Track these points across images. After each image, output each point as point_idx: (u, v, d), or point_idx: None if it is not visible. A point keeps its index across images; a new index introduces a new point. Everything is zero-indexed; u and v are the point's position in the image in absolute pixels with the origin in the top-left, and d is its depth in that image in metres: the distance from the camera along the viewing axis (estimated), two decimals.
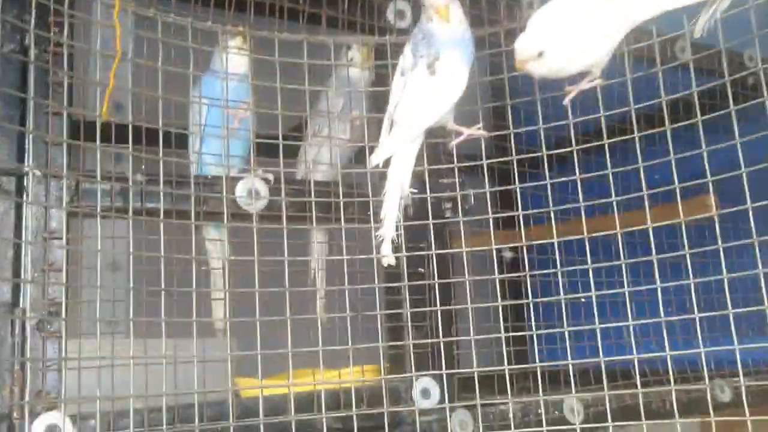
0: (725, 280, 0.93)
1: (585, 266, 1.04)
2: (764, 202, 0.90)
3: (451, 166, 1.12)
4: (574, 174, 1.05)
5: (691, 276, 0.96)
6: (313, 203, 1.07)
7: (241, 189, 1.06)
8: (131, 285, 0.94)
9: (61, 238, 0.95)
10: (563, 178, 1.07)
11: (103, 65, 1.01)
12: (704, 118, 0.97)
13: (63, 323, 0.93)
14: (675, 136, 1.02)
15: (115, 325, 1.06)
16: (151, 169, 1.02)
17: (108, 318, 1.02)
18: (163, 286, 0.95)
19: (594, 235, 1.04)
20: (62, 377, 0.92)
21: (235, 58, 1.12)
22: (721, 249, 0.94)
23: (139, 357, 0.92)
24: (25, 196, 0.95)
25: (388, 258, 0.99)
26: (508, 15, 1.26)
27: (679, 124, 1.01)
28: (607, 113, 1.05)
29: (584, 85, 1.05)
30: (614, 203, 1.02)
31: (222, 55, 1.13)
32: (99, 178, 0.95)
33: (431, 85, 1.00)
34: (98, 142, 0.96)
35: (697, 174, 0.98)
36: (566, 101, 1.07)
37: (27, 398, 0.90)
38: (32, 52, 0.93)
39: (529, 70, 0.99)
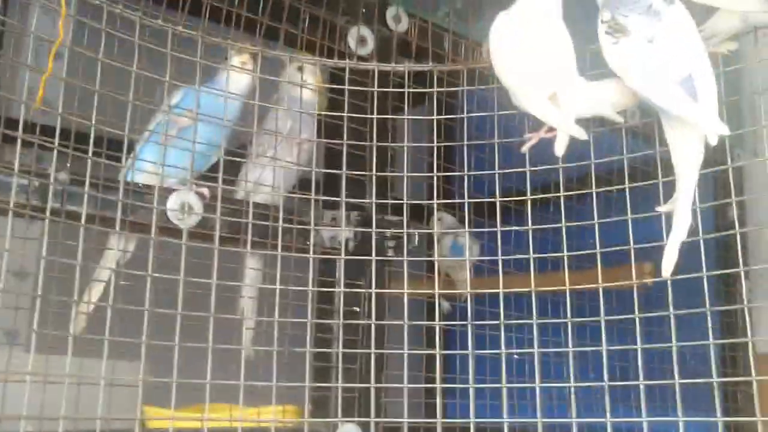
0: (674, 349, 0.90)
1: (530, 321, 0.99)
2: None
3: (400, 202, 1.06)
4: (515, 226, 1.02)
5: (638, 341, 0.92)
6: (250, 226, 1.00)
7: (173, 202, 0.98)
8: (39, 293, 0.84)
9: None
10: (514, 228, 1.03)
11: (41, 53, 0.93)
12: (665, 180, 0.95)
13: None
14: (610, 201, 1.00)
15: (14, 336, 0.96)
16: (76, 169, 0.93)
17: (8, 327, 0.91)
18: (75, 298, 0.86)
19: (541, 289, 1.00)
20: None
21: (236, 76, 1.09)
22: (672, 316, 0.90)
23: (39, 374, 0.82)
24: None
25: None
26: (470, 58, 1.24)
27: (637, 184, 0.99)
28: (564, 165, 1.02)
29: (543, 133, 1.02)
30: (564, 260, 0.99)
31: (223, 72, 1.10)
32: (17, 170, 0.86)
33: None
34: (20, 131, 0.86)
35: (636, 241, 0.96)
36: (525, 148, 1.03)
37: None
38: None
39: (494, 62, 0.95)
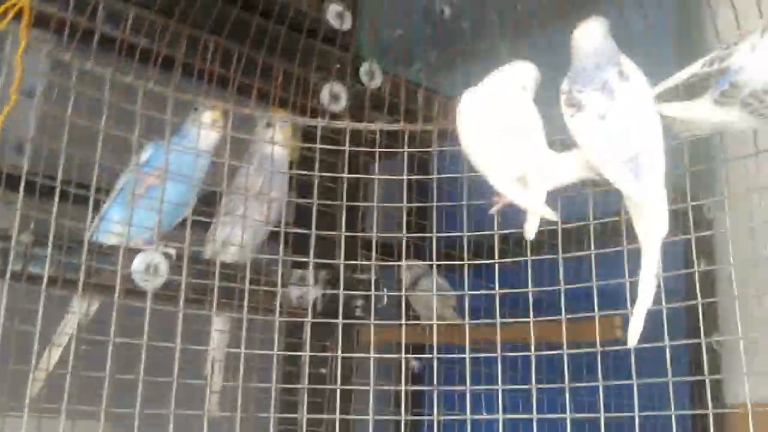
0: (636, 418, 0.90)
1: (495, 387, 0.99)
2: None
3: (368, 263, 1.06)
4: (486, 277, 1.02)
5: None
6: (216, 287, 0.98)
7: (139, 263, 0.96)
8: None
9: None
10: (482, 291, 1.03)
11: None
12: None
13: None
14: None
15: None
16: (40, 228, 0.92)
17: None
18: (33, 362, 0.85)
19: (509, 354, 1.00)
20: None
21: (206, 132, 1.08)
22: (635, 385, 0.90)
23: None
24: None
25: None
26: (442, 114, 1.24)
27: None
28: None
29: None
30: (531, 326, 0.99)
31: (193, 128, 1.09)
32: None
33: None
34: None
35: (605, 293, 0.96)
36: (493, 210, 1.03)
37: None
38: None
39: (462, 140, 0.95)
